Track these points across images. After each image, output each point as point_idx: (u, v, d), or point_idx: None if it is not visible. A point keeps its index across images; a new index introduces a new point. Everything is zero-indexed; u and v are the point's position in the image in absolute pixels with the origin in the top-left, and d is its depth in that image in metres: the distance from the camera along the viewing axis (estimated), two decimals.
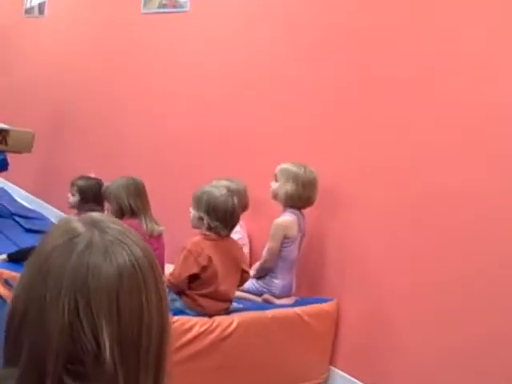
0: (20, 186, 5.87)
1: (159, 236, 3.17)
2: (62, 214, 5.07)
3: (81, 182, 3.65)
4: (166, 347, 0.88)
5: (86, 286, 0.80)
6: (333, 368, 2.89)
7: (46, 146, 5.22)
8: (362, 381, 2.78)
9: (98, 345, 0.79)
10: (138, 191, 3.17)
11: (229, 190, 2.74)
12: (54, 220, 5.01)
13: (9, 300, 2.69)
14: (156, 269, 0.88)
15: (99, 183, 3.65)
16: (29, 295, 0.83)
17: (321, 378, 2.87)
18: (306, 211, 2.94)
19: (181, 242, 3.36)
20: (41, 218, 5.03)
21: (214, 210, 2.60)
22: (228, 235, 2.68)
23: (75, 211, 3.68)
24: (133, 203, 3.13)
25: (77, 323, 0.79)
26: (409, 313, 2.61)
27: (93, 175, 3.73)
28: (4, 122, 5.03)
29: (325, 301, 2.84)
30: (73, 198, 3.66)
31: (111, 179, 3.62)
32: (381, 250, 2.74)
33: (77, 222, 0.88)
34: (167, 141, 4.09)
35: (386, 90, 2.76)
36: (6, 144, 4.83)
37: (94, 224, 0.87)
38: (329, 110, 3.03)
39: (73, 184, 3.67)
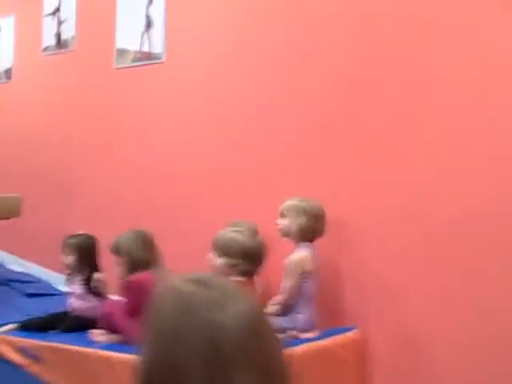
0: (10, 252, 5.82)
1: None
2: (57, 275, 5.05)
3: (73, 240, 3.66)
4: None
5: (215, 341, 0.85)
6: None
7: (31, 209, 5.20)
8: None
9: None
10: (148, 243, 3.22)
11: (252, 230, 2.83)
12: (50, 282, 5.01)
13: (29, 368, 2.71)
14: (264, 313, 0.95)
15: (90, 237, 3.69)
16: (158, 356, 0.89)
17: None
18: (316, 242, 3.02)
19: None
20: (37, 281, 5.02)
21: (249, 255, 2.67)
22: None
23: (73, 272, 3.69)
24: (143, 255, 3.18)
25: (212, 378, 0.84)
26: (441, 334, 2.62)
27: (81, 232, 3.75)
28: None
29: (348, 329, 2.91)
30: (69, 258, 3.65)
31: (103, 235, 3.69)
32: (398, 272, 2.81)
33: (186, 285, 0.93)
34: (162, 190, 4.13)
35: (387, 114, 2.86)
36: None
37: (199, 282, 0.92)
38: (327, 140, 3.12)
39: (65, 244, 3.66)
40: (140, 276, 3.16)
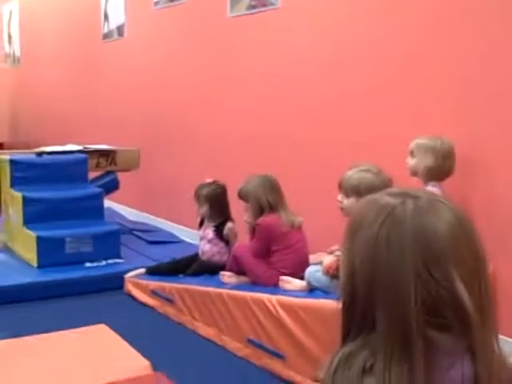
0: (126, 204, 6.06)
1: (299, 227, 3.27)
2: (173, 225, 5.23)
3: (204, 191, 3.75)
4: (492, 294, 0.95)
5: (428, 244, 0.88)
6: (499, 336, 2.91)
7: (146, 162, 5.36)
8: None
9: (455, 294, 0.87)
10: (273, 187, 3.27)
11: (377, 168, 2.82)
12: (167, 230, 5.19)
13: (161, 310, 2.81)
14: (471, 223, 0.95)
15: (220, 186, 3.77)
16: (372, 268, 0.91)
17: None
18: (446, 181, 2.96)
19: (319, 232, 3.46)
20: (156, 230, 5.22)
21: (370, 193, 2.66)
22: None
23: (206, 219, 3.80)
24: (270, 199, 3.23)
25: (430, 278, 0.87)
26: None
27: (210, 180, 3.84)
28: (104, 143, 5.25)
29: None
30: (201, 209, 3.75)
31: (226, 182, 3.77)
32: None
33: (386, 197, 0.95)
34: (284, 136, 4.13)
35: None
36: (116, 164, 5.04)
37: (403, 194, 0.94)
38: (459, 79, 3.03)
39: (197, 195, 3.77)
40: (267, 219, 3.22)
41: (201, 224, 3.86)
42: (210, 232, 3.74)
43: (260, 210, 3.25)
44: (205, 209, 3.74)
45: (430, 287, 0.87)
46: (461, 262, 0.89)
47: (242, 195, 3.32)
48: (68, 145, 5.05)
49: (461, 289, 0.87)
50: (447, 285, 0.87)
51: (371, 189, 2.72)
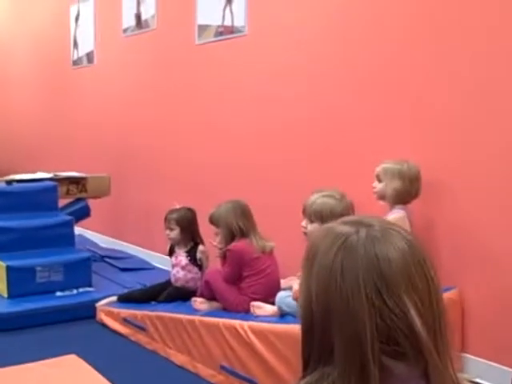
0: (97, 231, 6.03)
1: (270, 252, 3.30)
2: (145, 251, 5.22)
3: (175, 215, 3.77)
4: (446, 316, 0.96)
5: (381, 273, 0.90)
6: (465, 355, 2.96)
7: (117, 189, 5.36)
8: (497, 362, 2.84)
9: (408, 322, 0.89)
10: (244, 212, 3.31)
11: (340, 194, 2.87)
12: (140, 257, 5.17)
13: (133, 338, 2.82)
14: (422, 248, 0.98)
15: (189, 210, 3.80)
16: (327, 296, 0.92)
17: (455, 366, 2.92)
18: (411, 205, 3.01)
19: (290, 256, 3.49)
20: (128, 256, 5.20)
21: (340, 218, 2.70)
22: None
23: (177, 244, 3.82)
24: (241, 224, 3.26)
25: (383, 306, 0.89)
26: None
27: (178, 206, 3.86)
28: (74, 170, 5.23)
29: (447, 290, 2.91)
30: (173, 233, 3.77)
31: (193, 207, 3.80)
32: (498, 233, 2.79)
33: (341, 226, 0.97)
34: (250, 162, 4.18)
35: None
36: (86, 191, 5.03)
37: (357, 223, 0.97)
38: (423, 102, 3.10)
39: (167, 220, 3.79)
40: (239, 244, 3.24)
41: (170, 251, 3.87)
42: (182, 258, 3.75)
43: (231, 236, 3.28)
44: (176, 232, 3.75)
45: (384, 315, 0.89)
46: (413, 288, 0.91)
47: (212, 220, 3.35)
48: (38, 172, 5.03)
49: (413, 316, 0.89)
50: (400, 312, 0.89)
51: (333, 214, 2.78)
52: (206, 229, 3.61)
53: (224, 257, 3.33)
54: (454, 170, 2.97)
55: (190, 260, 3.72)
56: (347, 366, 0.89)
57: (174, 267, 3.80)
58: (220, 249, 3.34)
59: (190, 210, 3.81)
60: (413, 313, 0.89)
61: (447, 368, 0.93)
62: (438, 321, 0.93)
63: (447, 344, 0.95)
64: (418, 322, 0.89)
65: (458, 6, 2.93)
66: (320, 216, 2.83)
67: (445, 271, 2.97)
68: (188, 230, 3.75)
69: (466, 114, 2.91)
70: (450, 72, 2.97)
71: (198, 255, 3.71)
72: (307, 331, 0.97)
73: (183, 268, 3.74)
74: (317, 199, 2.90)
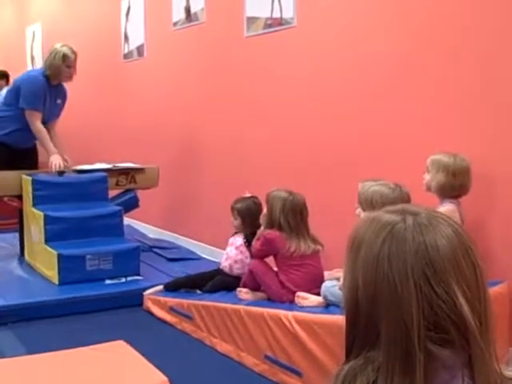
0: (146, 222, 6.12)
1: (314, 254, 3.29)
2: (193, 242, 5.27)
3: (238, 205, 3.80)
4: (491, 305, 0.96)
5: (429, 260, 0.90)
6: None
7: (167, 180, 5.43)
8: None
9: (457, 309, 0.89)
10: (293, 209, 3.26)
11: (394, 183, 2.85)
12: (187, 247, 5.23)
13: (179, 326, 2.86)
14: (468, 236, 0.98)
15: (255, 202, 3.80)
16: (374, 284, 0.93)
17: (503, 360, 2.88)
18: (463, 199, 2.97)
19: (338, 248, 3.48)
20: (176, 247, 5.27)
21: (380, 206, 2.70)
22: None
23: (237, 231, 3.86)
24: (283, 220, 3.24)
25: (431, 293, 0.89)
26: None
27: (248, 194, 3.89)
28: (127, 161, 5.31)
29: (496, 283, 2.86)
30: (235, 222, 3.81)
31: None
32: None
33: (387, 215, 0.98)
34: (299, 153, 4.18)
35: None
36: (135, 182, 5.11)
37: (402, 212, 0.97)
38: (479, 96, 3.05)
39: (232, 208, 3.83)
40: (273, 233, 3.25)
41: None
42: (239, 239, 3.78)
43: (270, 223, 3.29)
44: (238, 222, 3.79)
45: (432, 302, 0.89)
46: (461, 275, 0.91)
47: (266, 199, 3.37)
48: (97, 163, 5.12)
49: (463, 303, 0.89)
50: (449, 299, 0.89)
51: (384, 203, 2.76)
52: None
53: (258, 238, 3.39)
54: (507, 165, 2.91)
55: (245, 243, 3.74)
56: (393, 351, 0.90)
57: (229, 246, 3.84)
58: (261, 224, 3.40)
59: (255, 201, 3.81)
60: (461, 300, 0.89)
61: (491, 357, 0.93)
62: (483, 309, 0.93)
63: (491, 333, 0.94)
64: (466, 308, 0.89)
65: None
66: (370, 203, 2.82)
67: (495, 265, 2.93)
68: (248, 221, 3.74)
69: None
70: (506, 63, 2.91)
71: (254, 240, 3.72)
72: (352, 318, 0.98)
73: (237, 248, 3.77)
74: (369, 187, 2.90)
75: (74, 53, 4.83)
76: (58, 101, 4.94)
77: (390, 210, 1.00)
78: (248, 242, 3.70)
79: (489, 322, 0.94)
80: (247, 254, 3.72)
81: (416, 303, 0.89)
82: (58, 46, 4.84)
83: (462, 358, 0.91)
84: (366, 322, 0.95)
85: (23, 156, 4.90)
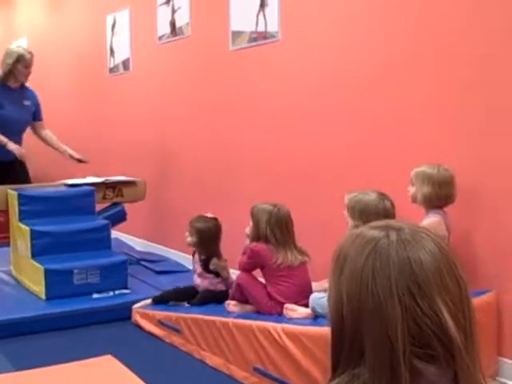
0: (133, 235, 6.11)
1: (301, 265, 3.29)
2: (181, 254, 5.26)
3: (198, 224, 3.79)
4: (475, 318, 0.97)
5: (413, 275, 0.91)
6: (502, 358, 2.92)
7: (154, 193, 5.43)
8: None
9: (441, 324, 0.89)
10: (279, 221, 3.27)
11: (381, 193, 2.89)
12: (175, 260, 5.22)
13: (168, 340, 2.87)
14: (451, 250, 0.98)
15: (216, 224, 3.80)
16: (359, 300, 0.93)
17: (491, 369, 2.90)
18: (449, 208, 2.99)
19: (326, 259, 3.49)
20: (164, 259, 5.26)
21: (380, 216, 2.72)
22: None
23: (194, 250, 3.87)
24: (269, 232, 3.25)
25: (416, 308, 0.89)
26: None
27: (210, 215, 3.88)
28: (113, 174, 5.31)
29: (483, 293, 2.88)
30: (191, 239, 3.81)
31: (223, 218, 3.85)
32: None
33: (371, 231, 0.98)
34: (284, 167, 4.20)
35: None
36: (122, 195, 5.10)
37: (386, 227, 0.98)
38: (461, 106, 3.08)
39: (191, 225, 3.82)
40: (260, 245, 3.26)
41: (194, 253, 3.92)
42: (198, 266, 3.82)
43: (257, 236, 3.30)
44: (193, 240, 3.79)
45: (417, 318, 0.89)
46: (446, 291, 0.92)
47: (251, 210, 3.38)
48: (88, 177, 5.11)
49: (447, 318, 0.90)
50: (433, 315, 0.90)
51: (368, 211, 2.82)
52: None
53: (244, 251, 3.39)
54: (493, 175, 2.94)
55: (204, 268, 3.76)
56: (378, 368, 0.90)
57: (194, 273, 3.88)
58: (248, 237, 3.40)
59: (216, 223, 3.80)
60: (446, 315, 0.90)
61: (476, 371, 0.93)
62: (468, 323, 0.94)
63: (477, 347, 0.95)
64: (451, 323, 0.90)
65: None
66: (352, 212, 2.86)
67: (482, 274, 2.96)
68: (206, 242, 3.76)
69: (508, 117, 2.88)
70: (492, 74, 2.95)
71: (211, 266, 3.73)
72: (337, 334, 0.98)
73: (199, 275, 3.81)
74: (353, 196, 2.95)
75: (30, 53, 4.85)
76: (26, 102, 4.95)
77: (373, 225, 1.01)
78: (205, 266, 3.73)
79: (474, 336, 0.95)
80: (211, 276, 3.76)
81: (401, 319, 0.89)
82: (12, 46, 4.86)
83: (448, 374, 0.91)
84: (351, 338, 0.95)
85: (9, 170, 4.87)
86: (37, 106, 5.08)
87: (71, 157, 5.03)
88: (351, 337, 0.95)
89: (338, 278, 0.98)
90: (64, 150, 5.06)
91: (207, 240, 3.76)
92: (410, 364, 0.89)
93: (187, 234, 3.83)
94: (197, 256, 3.85)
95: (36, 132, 5.10)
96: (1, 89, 4.79)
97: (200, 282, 3.81)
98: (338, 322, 0.97)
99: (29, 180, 5.12)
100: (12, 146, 4.69)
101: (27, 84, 5.04)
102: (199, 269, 3.80)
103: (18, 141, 4.90)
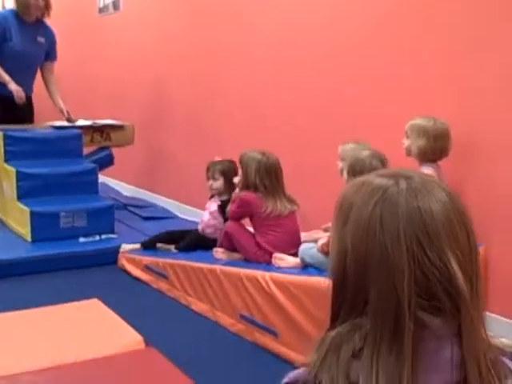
0: (121, 180, 6.06)
1: (290, 214, 3.26)
2: (169, 201, 5.23)
3: (219, 166, 3.74)
4: (481, 270, 0.94)
5: (423, 224, 0.88)
6: (489, 314, 2.93)
7: (144, 137, 5.36)
8: None
9: (449, 275, 0.86)
10: (268, 170, 3.22)
11: (374, 152, 2.84)
12: (163, 206, 5.18)
13: (155, 285, 2.84)
14: (461, 200, 0.95)
15: (232, 162, 3.72)
16: (365, 248, 0.90)
17: None
18: (443, 162, 2.96)
19: (315, 209, 3.47)
20: (151, 205, 5.23)
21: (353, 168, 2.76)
22: None
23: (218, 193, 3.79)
24: (258, 181, 3.20)
25: (424, 258, 0.86)
26: None
27: (218, 158, 3.84)
28: (102, 118, 5.22)
29: None
30: (217, 183, 3.73)
31: None
32: None
33: (378, 178, 0.94)
34: (279, 113, 4.12)
35: None
36: (110, 139, 5.03)
37: (395, 175, 0.94)
38: (458, 60, 3.01)
39: (211, 169, 3.76)
40: (250, 194, 3.22)
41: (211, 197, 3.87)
42: (214, 205, 3.75)
43: (246, 185, 3.25)
44: (220, 182, 3.72)
45: (425, 268, 0.86)
46: (455, 242, 0.89)
47: (239, 159, 3.32)
48: (79, 120, 5.01)
49: (455, 269, 0.87)
50: (442, 265, 0.87)
51: (357, 160, 2.82)
52: None
53: (233, 199, 3.37)
54: (488, 130, 2.90)
55: (219, 209, 3.70)
56: (381, 318, 0.87)
57: (205, 211, 3.82)
58: (236, 187, 3.37)
59: (231, 162, 3.74)
60: (454, 266, 0.87)
61: (480, 325, 0.91)
62: (475, 275, 0.91)
63: (482, 299, 0.92)
64: (459, 275, 0.87)
65: None
66: (343, 160, 2.86)
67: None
68: (230, 181, 3.66)
69: (502, 72, 2.82)
70: (488, 29, 2.87)
71: (228, 209, 3.68)
72: (339, 283, 0.95)
73: (211, 213, 3.75)
74: (345, 146, 2.96)
75: None
76: (40, 39, 4.82)
77: (381, 173, 0.97)
78: (222, 208, 3.67)
79: (479, 288, 0.91)
80: (221, 219, 3.69)
81: (408, 269, 0.86)
82: None
83: (453, 327, 0.89)
84: (354, 288, 0.92)
85: (13, 106, 4.75)
86: (51, 44, 4.95)
87: (61, 111, 4.90)
88: (354, 286, 0.92)
89: (343, 227, 0.95)
90: (58, 103, 4.91)
91: (231, 179, 3.65)
92: (414, 315, 0.86)
93: (210, 181, 3.75)
94: (215, 198, 3.78)
95: (42, 73, 4.97)
96: (15, 21, 4.68)
97: (207, 219, 3.74)
98: (341, 271, 0.94)
99: (32, 119, 5.01)
100: (12, 86, 4.57)
101: (47, 21, 4.90)
102: (214, 207, 3.72)
103: (26, 76, 4.78)
